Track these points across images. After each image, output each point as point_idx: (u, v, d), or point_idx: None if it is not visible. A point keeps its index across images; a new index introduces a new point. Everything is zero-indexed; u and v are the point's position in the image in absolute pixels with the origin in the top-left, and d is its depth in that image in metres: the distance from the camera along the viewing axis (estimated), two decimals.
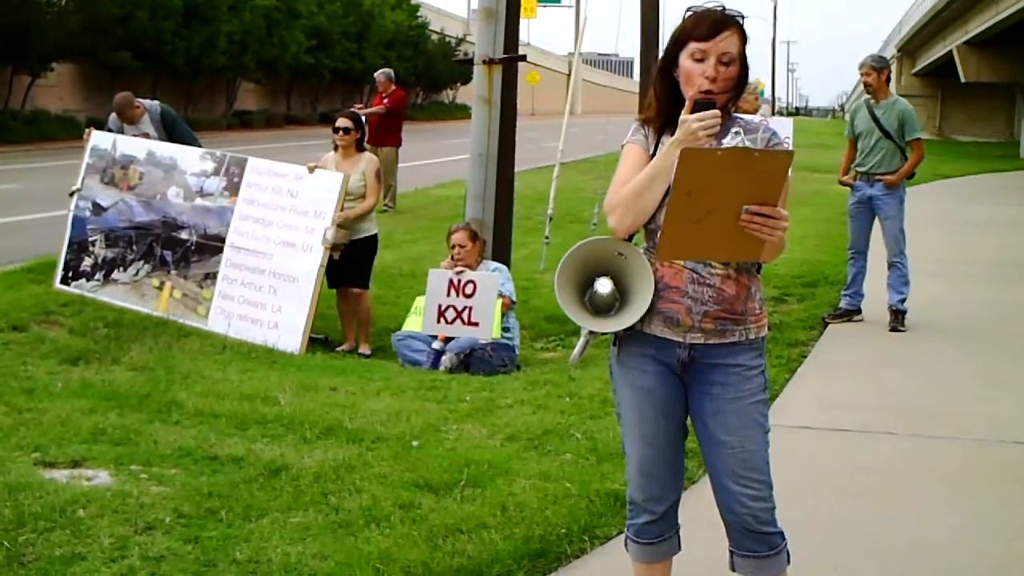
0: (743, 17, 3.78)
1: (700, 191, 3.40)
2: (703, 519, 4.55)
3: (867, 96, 10.78)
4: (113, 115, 12.03)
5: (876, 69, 10.59)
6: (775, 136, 3.87)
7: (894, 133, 10.48)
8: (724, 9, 3.76)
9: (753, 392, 3.82)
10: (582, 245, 3.78)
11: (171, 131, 11.80)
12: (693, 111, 3.62)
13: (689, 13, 3.79)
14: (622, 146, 3.92)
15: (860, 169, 10.71)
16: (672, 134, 3.72)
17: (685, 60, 3.73)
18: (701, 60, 3.69)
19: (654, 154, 3.81)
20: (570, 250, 3.78)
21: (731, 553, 3.90)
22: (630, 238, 3.80)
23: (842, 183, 11.15)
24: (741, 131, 3.74)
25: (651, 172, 3.67)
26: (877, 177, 10.55)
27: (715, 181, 3.39)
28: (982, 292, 12.71)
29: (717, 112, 3.61)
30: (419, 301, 9.66)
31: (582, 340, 3.93)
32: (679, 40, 3.76)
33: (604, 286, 3.76)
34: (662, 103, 3.86)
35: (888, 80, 10.73)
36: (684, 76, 3.74)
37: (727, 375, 3.80)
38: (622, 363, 3.92)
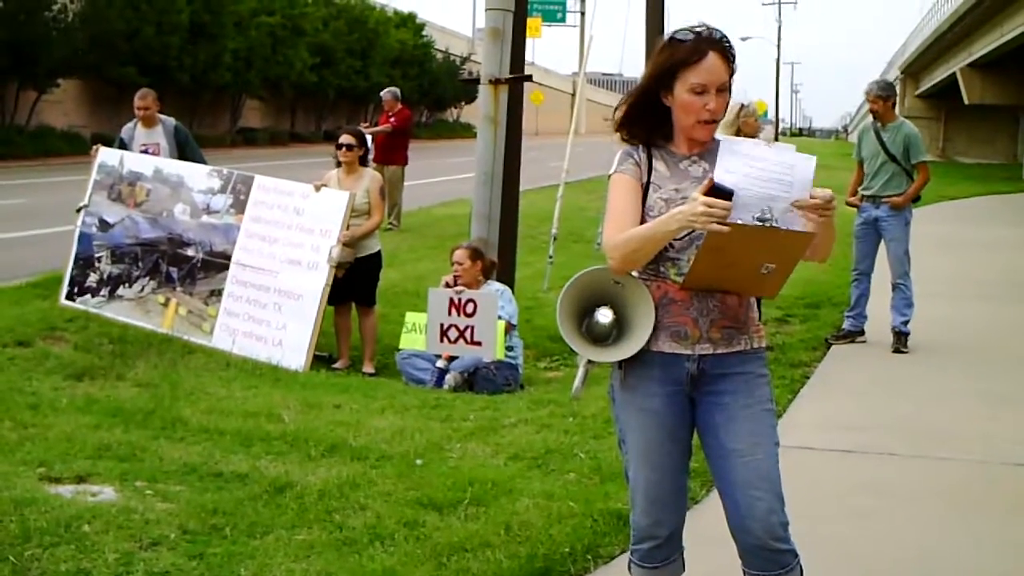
0: (728, 41, 3.79)
1: (727, 250, 3.54)
2: (706, 537, 4.57)
3: (874, 121, 10.81)
4: (127, 126, 12.05)
5: (882, 97, 10.63)
6: None
7: (900, 156, 10.51)
8: (714, 36, 3.76)
9: (761, 400, 3.84)
10: (579, 278, 3.81)
11: (182, 148, 11.82)
12: (709, 192, 3.56)
13: (678, 41, 3.78)
14: (609, 176, 3.91)
15: (866, 192, 10.74)
16: (660, 148, 3.83)
17: (682, 93, 3.74)
18: (701, 93, 3.72)
19: (648, 173, 3.83)
20: (567, 284, 3.81)
21: (744, 573, 3.87)
22: None
23: (849, 204, 11.18)
24: (771, 209, 3.67)
25: (650, 234, 3.67)
26: (883, 199, 10.58)
27: (742, 245, 3.54)
28: (985, 313, 12.73)
29: (729, 204, 3.52)
30: (410, 317, 9.67)
31: (582, 370, 3.94)
32: (672, 69, 3.76)
33: (604, 316, 3.81)
34: (646, 121, 3.87)
35: (894, 105, 10.75)
36: (682, 109, 3.76)
37: (736, 383, 3.82)
38: (628, 387, 3.91)
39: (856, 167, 11.09)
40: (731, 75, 3.76)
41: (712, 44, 3.74)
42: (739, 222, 3.55)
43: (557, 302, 3.81)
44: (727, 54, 3.75)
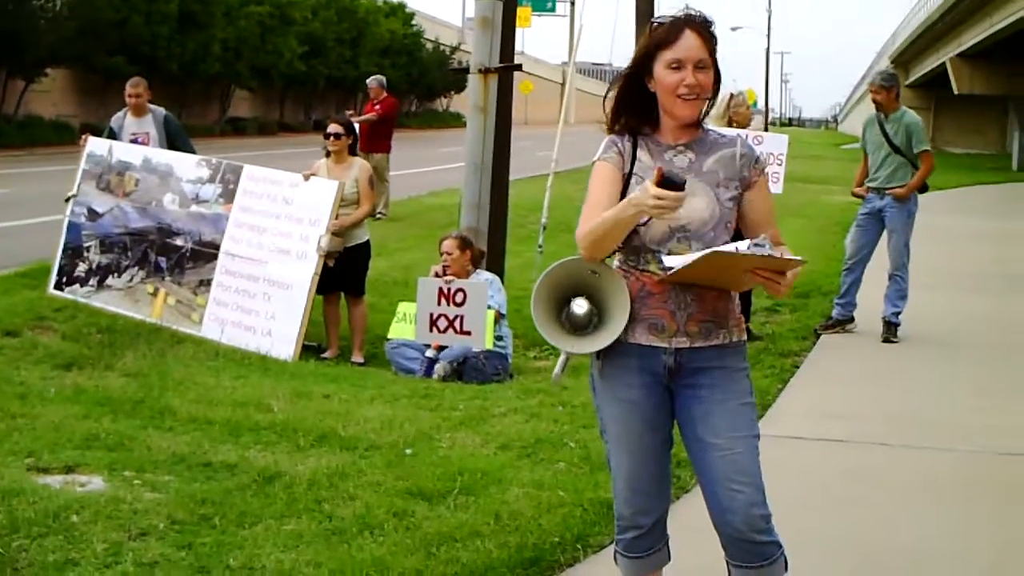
0: (710, 22, 3.80)
1: (716, 268, 3.58)
2: (694, 526, 4.56)
3: (878, 112, 10.75)
4: (116, 115, 12.00)
5: (885, 88, 10.56)
6: (750, 151, 3.88)
7: (903, 146, 10.45)
8: (692, 16, 3.79)
9: (740, 394, 3.83)
10: (555, 268, 3.81)
11: (172, 138, 11.77)
12: (661, 183, 3.48)
13: (657, 23, 3.82)
14: (593, 163, 3.92)
15: (871, 184, 10.68)
16: (646, 137, 3.84)
17: (661, 71, 3.75)
18: (677, 69, 3.72)
19: (632, 163, 3.84)
20: (543, 274, 3.80)
21: (727, 564, 3.87)
22: None
23: (855, 195, 11.18)
24: (767, 237, 3.64)
25: (612, 221, 3.66)
26: (887, 191, 10.54)
27: (736, 264, 3.58)
28: (974, 303, 12.75)
29: (681, 195, 3.48)
30: (402, 307, 9.68)
31: (562, 357, 3.96)
32: (650, 51, 3.78)
33: (580, 307, 3.80)
34: (632, 109, 3.88)
35: (897, 96, 10.68)
36: (662, 87, 3.77)
37: (714, 377, 3.81)
38: (605, 377, 3.92)
39: (862, 158, 11.05)
40: (711, 53, 3.76)
41: (687, 22, 3.77)
42: (736, 251, 3.55)
43: (532, 292, 3.80)
44: (704, 31, 3.76)
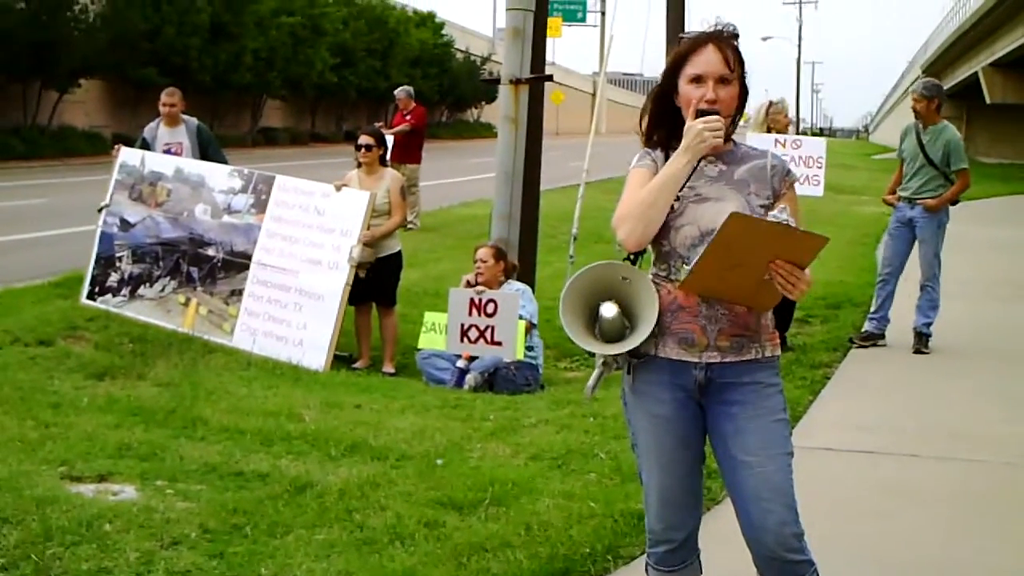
0: (736, 36, 3.82)
1: (738, 247, 3.52)
2: (726, 537, 4.56)
3: (917, 121, 10.70)
4: (149, 125, 12.07)
5: (926, 97, 10.45)
6: (780, 163, 3.88)
7: (938, 160, 10.37)
8: (716, 31, 3.81)
9: (773, 410, 3.79)
10: (586, 271, 3.79)
11: (205, 148, 11.85)
12: (697, 118, 3.69)
13: (683, 38, 3.85)
14: (628, 171, 3.93)
15: (903, 193, 10.61)
16: (677, 150, 3.79)
17: (684, 85, 3.78)
18: (699, 84, 3.75)
19: None
20: (574, 276, 3.80)
21: None
22: (636, 260, 3.82)
23: (886, 202, 11.14)
24: (787, 208, 3.72)
25: (660, 180, 3.72)
26: (917, 201, 10.49)
27: (754, 243, 3.53)
28: (1006, 315, 12.68)
29: (721, 117, 3.68)
30: (430, 317, 9.69)
31: (596, 372, 3.90)
32: (675, 66, 3.81)
33: (609, 310, 3.76)
34: (664, 125, 3.90)
35: (939, 108, 10.57)
36: (684, 101, 3.79)
37: (745, 393, 3.78)
38: (637, 392, 3.90)
39: (898, 165, 10.98)
40: (733, 68, 3.77)
41: (711, 37, 3.79)
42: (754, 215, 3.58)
43: (561, 295, 3.79)
44: (727, 46, 3.77)
